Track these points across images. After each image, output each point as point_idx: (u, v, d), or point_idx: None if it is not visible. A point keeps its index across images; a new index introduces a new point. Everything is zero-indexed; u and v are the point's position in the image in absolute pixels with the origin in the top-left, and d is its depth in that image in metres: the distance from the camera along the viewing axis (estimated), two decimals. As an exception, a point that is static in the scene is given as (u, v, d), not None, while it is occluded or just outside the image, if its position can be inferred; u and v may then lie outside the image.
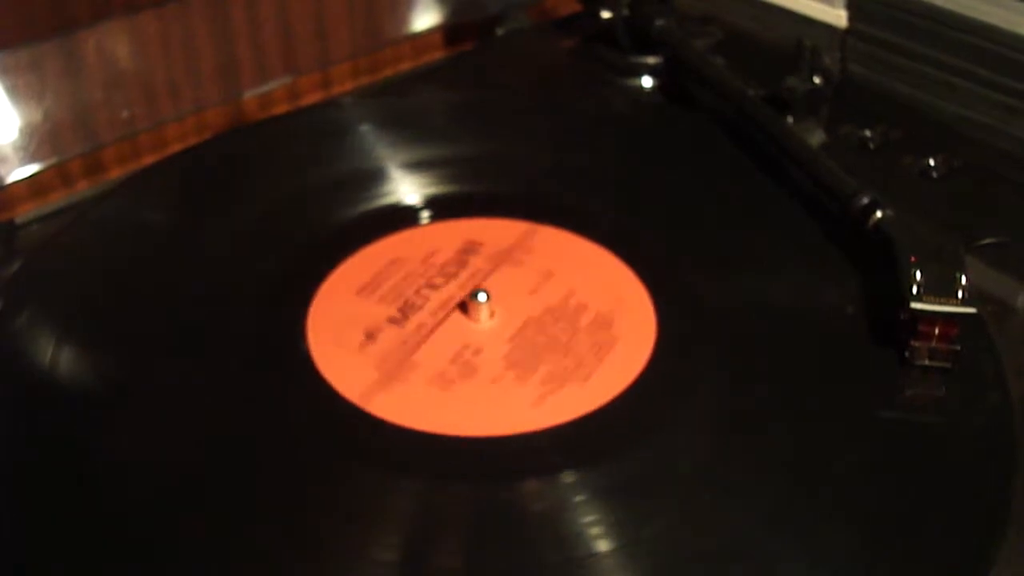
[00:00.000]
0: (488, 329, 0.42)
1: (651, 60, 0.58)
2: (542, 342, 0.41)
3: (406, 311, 0.42)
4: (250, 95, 0.61)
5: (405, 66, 0.66)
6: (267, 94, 0.61)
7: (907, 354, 0.39)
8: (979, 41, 0.52)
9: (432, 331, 0.41)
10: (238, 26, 0.59)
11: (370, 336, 0.41)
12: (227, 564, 0.33)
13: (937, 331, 0.38)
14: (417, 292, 0.43)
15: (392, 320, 0.42)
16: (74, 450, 0.36)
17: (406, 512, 0.35)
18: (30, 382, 0.39)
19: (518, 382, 0.39)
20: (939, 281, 0.39)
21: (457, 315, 0.42)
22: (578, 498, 0.34)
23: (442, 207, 0.48)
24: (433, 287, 0.43)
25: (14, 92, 0.52)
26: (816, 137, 0.51)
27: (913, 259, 0.39)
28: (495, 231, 0.46)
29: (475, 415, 0.38)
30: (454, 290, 0.43)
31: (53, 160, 0.54)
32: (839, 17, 0.58)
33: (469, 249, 0.45)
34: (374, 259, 0.45)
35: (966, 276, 0.39)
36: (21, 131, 0.53)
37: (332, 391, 0.39)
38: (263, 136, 0.54)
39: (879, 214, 0.43)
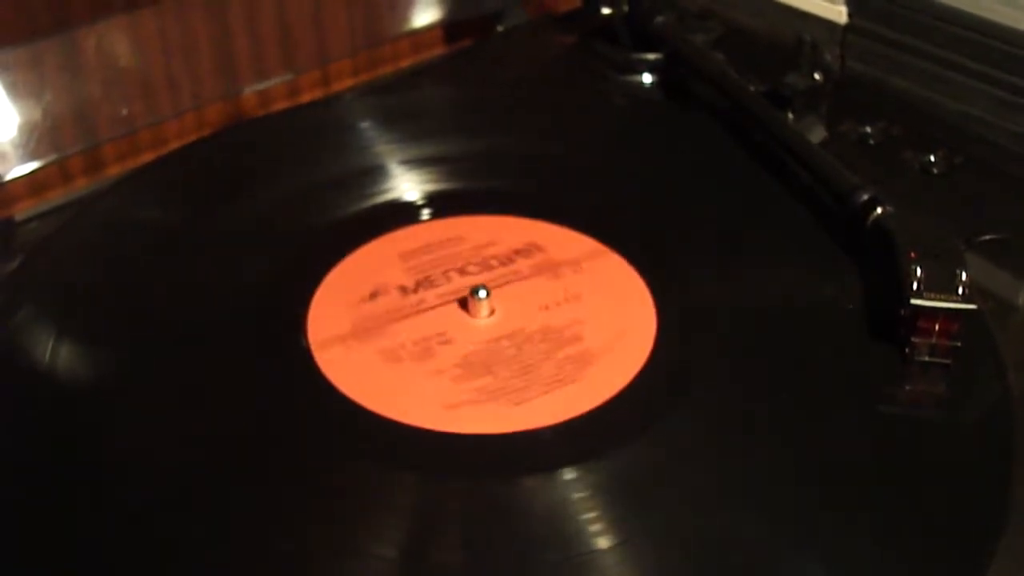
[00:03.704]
0: (476, 326, 0.42)
1: (651, 56, 0.58)
2: (508, 355, 0.40)
3: (419, 286, 0.43)
4: (249, 92, 0.60)
5: (404, 63, 0.66)
6: (266, 91, 0.61)
7: (907, 350, 0.39)
8: (979, 37, 0.52)
9: (424, 311, 0.42)
10: (237, 23, 0.58)
11: (373, 296, 0.43)
12: (227, 558, 0.33)
13: (937, 327, 0.38)
14: (444, 273, 0.44)
15: (401, 289, 0.43)
16: (72, 446, 0.36)
17: (405, 508, 0.35)
18: (29, 379, 0.39)
19: (453, 381, 0.39)
20: (939, 277, 0.38)
21: (456, 306, 0.42)
22: (577, 495, 0.34)
23: (441, 204, 0.48)
24: (463, 273, 0.44)
25: (14, 89, 0.52)
26: (816, 133, 0.51)
27: (913, 255, 0.39)
28: (555, 238, 0.46)
29: (396, 398, 0.38)
30: (475, 282, 0.43)
31: (52, 157, 0.54)
32: (839, 13, 0.58)
33: (523, 250, 0.45)
34: (381, 251, 0.45)
35: (966, 272, 0.39)
36: (21, 128, 0.53)
37: (331, 385, 0.39)
38: (262, 133, 0.54)
39: (879, 210, 0.43)
